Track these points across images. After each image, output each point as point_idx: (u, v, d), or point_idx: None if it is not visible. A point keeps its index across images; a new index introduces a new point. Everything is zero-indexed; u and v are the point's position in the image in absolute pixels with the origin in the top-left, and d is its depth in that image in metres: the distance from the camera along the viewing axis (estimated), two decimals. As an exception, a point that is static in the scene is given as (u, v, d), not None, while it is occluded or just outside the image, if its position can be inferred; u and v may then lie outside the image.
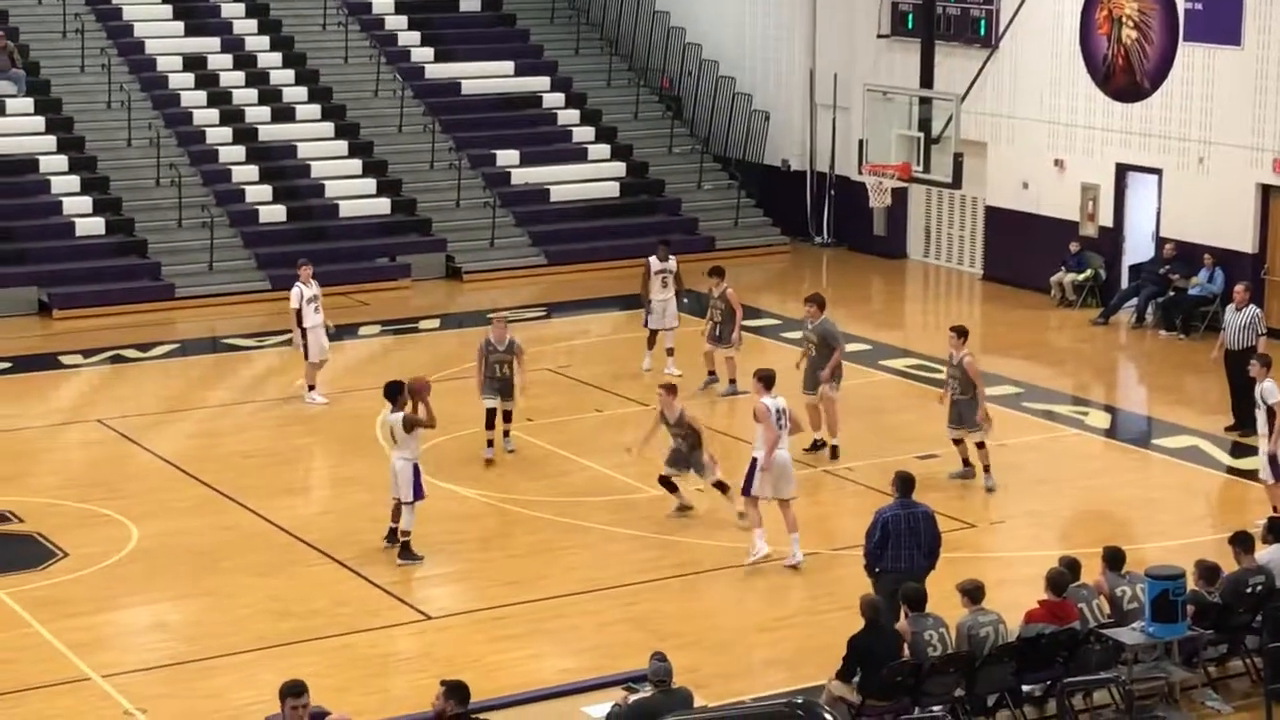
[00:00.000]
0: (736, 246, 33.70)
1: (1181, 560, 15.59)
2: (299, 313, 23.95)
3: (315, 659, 16.16)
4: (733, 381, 23.88)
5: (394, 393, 18.69)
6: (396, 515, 18.70)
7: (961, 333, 20.91)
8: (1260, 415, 19.08)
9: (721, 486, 19.57)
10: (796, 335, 25.38)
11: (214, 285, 30.24)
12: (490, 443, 21.67)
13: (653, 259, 25.13)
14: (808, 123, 34.75)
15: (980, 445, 20.66)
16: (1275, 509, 18.84)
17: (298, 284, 24.18)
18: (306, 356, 24.10)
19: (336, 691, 15.13)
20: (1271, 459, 18.85)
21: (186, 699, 15.40)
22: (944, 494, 19.94)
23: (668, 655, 13.36)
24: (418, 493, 18.44)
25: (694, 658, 15.66)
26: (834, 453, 21.66)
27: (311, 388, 24.17)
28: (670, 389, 19.84)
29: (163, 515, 19.89)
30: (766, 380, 18.51)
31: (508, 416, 21.84)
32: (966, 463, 20.79)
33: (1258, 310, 22.59)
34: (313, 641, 16.55)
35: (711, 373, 24.34)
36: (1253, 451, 20.51)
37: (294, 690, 12.16)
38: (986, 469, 20.65)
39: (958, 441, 20.80)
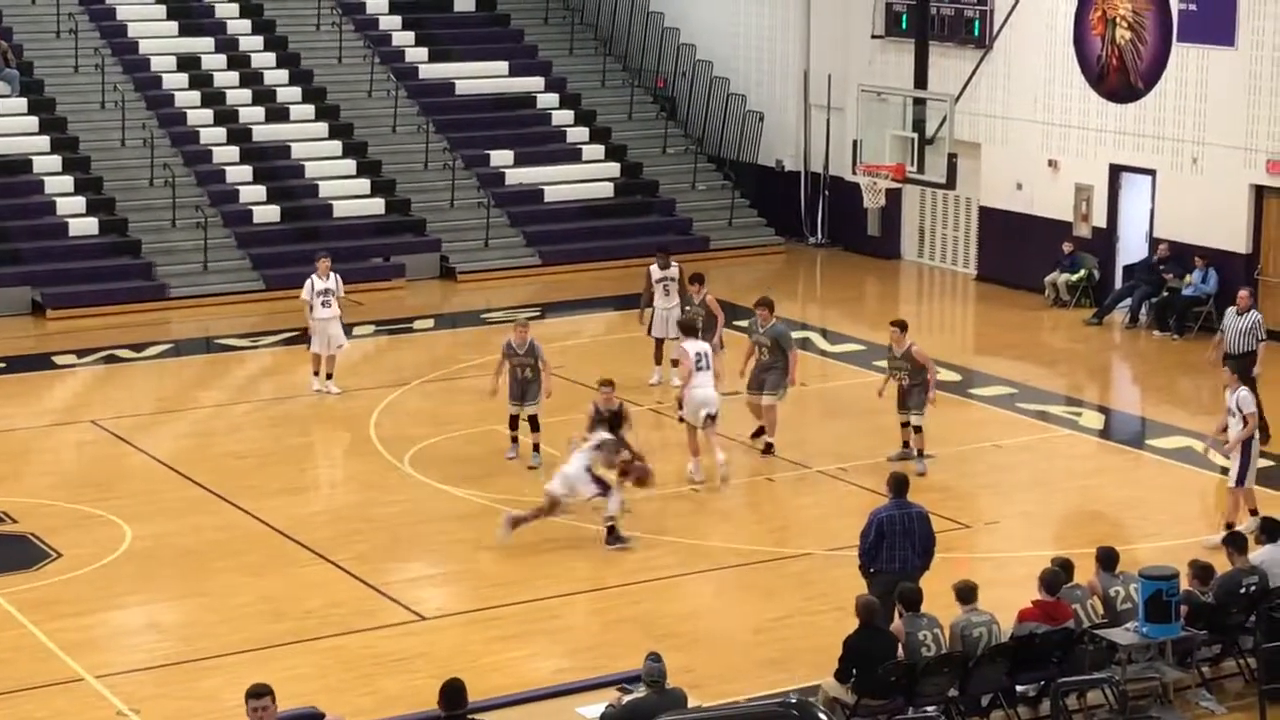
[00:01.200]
0: (731, 247, 33.71)
1: (1175, 560, 15.60)
2: (310, 304, 24.30)
3: (309, 660, 16.16)
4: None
5: (618, 421, 19.47)
6: (550, 509, 18.81)
7: (903, 327, 21.34)
8: (1233, 421, 19.01)
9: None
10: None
11: (208, 285, 30.22)
12: (515, 440, 21.53)
13: (653, 267, 24.93)
14: (802, 123, 34.76)
15: (917, 430, 21.10)
16: (1253, 511, 18.84)
17: (312, 276, 24.38)
18: (309, 345, 24.45)
19: (330, 692, 15.14)
20: (1241, 471, 18.83)
21: (180, 699, 15.39)
22: (938, 494, 19.94)
23: (662, 655, 13.35)
24: (602, 485, 18.81)
25: (689, 658, 15.66)
26: (769, 449, 21.76)
27: (316, 373, 24.51)
28: (610, 384, 19.82)
29: (156, 516, 19.87)
30: (686, 328, 22.04)
31: (534, 425, 21.44)
32: (907, 444, 21.28)
33: (1259, 316, 22.49)
34: (306, 642, 16.54)
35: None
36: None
37: (254, 692, 12.09)
38: (920, 453, 21.09)
39: (906, 424, 21.31)
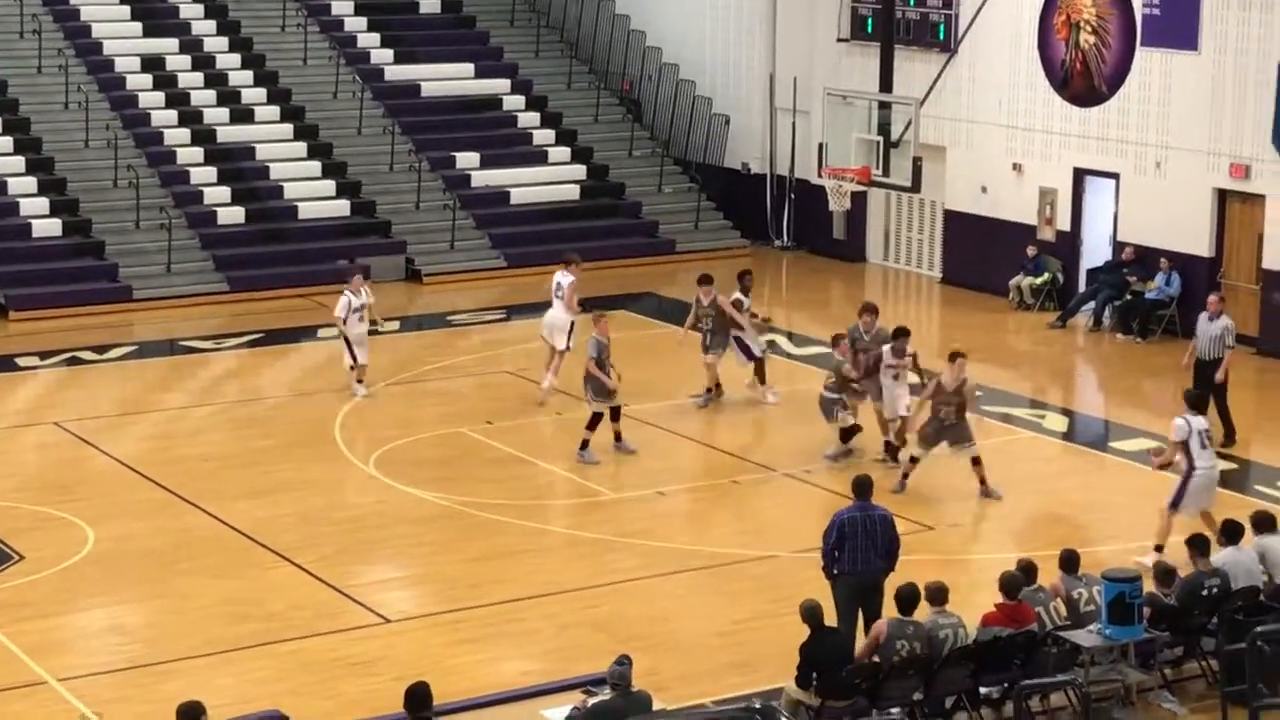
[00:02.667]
0: (697, 249, 33.72)
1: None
2: (344, 321, 24.03)
3: (272, 662, 16.12)
4: (716, 388, 23.75)
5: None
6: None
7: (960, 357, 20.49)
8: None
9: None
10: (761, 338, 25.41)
11: (172, 287, 30.11)
12: (585, 444, 21.50)
13: (737, 295, 24.05)
14: (768, 126, 34.80)
15: (978, 461, 20.55)
16: (1158, 547, 18.37)
17: (346, 292, 24.13)
18: (355, 361, 24.17)
19: (293, 695, 15.10)
20: (1176, 495, 18.47)
21: (143, 703, 15.33)
22: (902, 497, 19.98)
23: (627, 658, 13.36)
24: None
25: (654, 660, 15.66)
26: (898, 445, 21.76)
27: (360, 381, 24.32)
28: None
29: (119, 518, 19.80)
30: (567, 262, 24.43)
31: (616, 415, 21.74)
32: (906, 477, 20.60)
33: (1230, 322, 22.49)
34: (270, 645, 16.49)
35: (709, 388, 23.97)
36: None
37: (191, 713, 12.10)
38: (983, 483, 20.53)
39: (915, 460, 20.58)
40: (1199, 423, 18.59)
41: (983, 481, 20.39)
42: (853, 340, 22.01)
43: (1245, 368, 26.01)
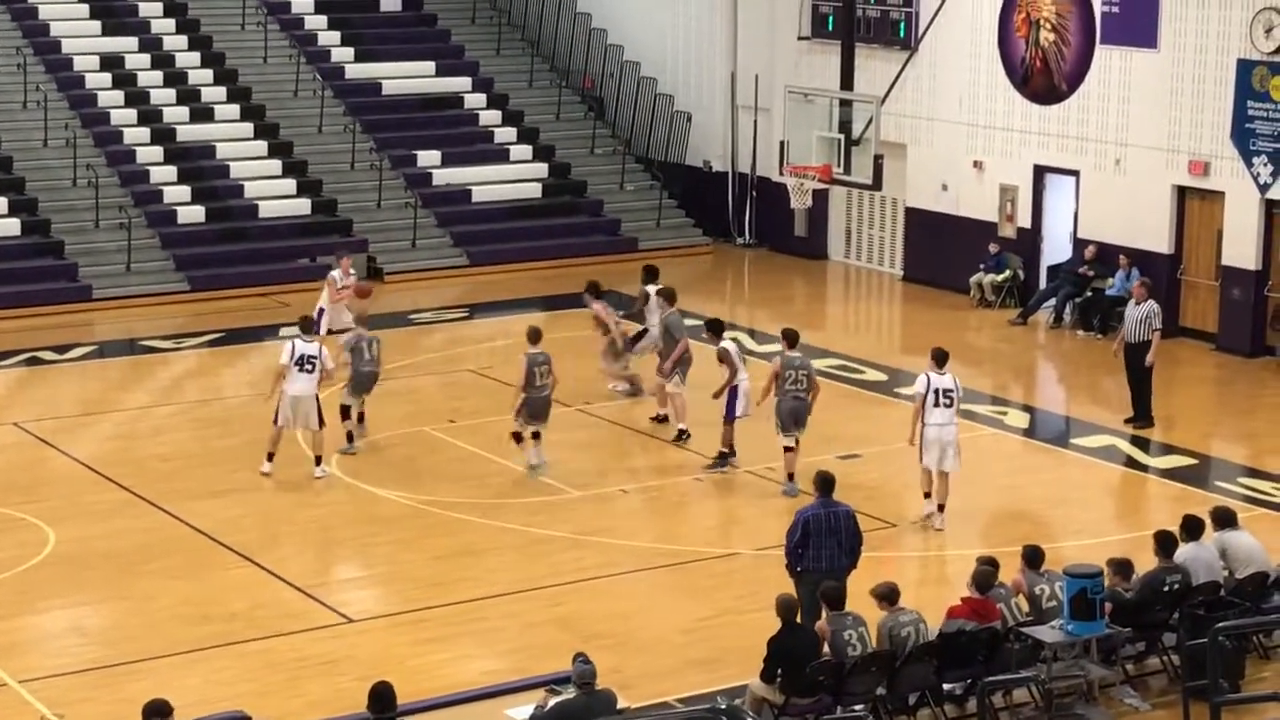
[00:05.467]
0: (659, 247, 33.71)
1: (1099, 558, 15.72)
2: (284, 370, 20.62)
3: (235, 663, 16.07)
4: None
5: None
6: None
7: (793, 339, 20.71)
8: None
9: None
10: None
11: (132, 287, 29.98)
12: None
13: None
14: (729, 124, 34.83)
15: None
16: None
17: (294, 341, 20.91)
18: (276, 420, 20.82)
19: (256, 696, 15.06)
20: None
21: (105, 704, 15.27)
22: (865, 493, 20.00)
23: (591, 656, 13.34)
24: None
25: (617, 659, 15.66)
26: (682, 435, 22.17)
27: (270, 456, 21.04)
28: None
29: (80, 519, 19.71)
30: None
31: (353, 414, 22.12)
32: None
33: (1155, 306, 22.93)
34: (232, 645, 16.45)
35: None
36: (1156, 447, 21.42)
37: (161, 710, 12.05)
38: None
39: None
40: (941, 380, 19.27)
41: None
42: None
43: (1204, 364, 26.21)
